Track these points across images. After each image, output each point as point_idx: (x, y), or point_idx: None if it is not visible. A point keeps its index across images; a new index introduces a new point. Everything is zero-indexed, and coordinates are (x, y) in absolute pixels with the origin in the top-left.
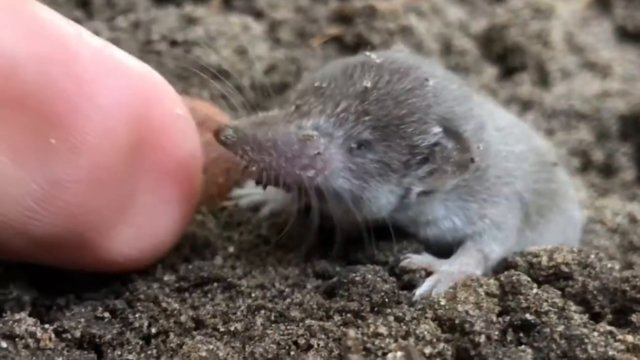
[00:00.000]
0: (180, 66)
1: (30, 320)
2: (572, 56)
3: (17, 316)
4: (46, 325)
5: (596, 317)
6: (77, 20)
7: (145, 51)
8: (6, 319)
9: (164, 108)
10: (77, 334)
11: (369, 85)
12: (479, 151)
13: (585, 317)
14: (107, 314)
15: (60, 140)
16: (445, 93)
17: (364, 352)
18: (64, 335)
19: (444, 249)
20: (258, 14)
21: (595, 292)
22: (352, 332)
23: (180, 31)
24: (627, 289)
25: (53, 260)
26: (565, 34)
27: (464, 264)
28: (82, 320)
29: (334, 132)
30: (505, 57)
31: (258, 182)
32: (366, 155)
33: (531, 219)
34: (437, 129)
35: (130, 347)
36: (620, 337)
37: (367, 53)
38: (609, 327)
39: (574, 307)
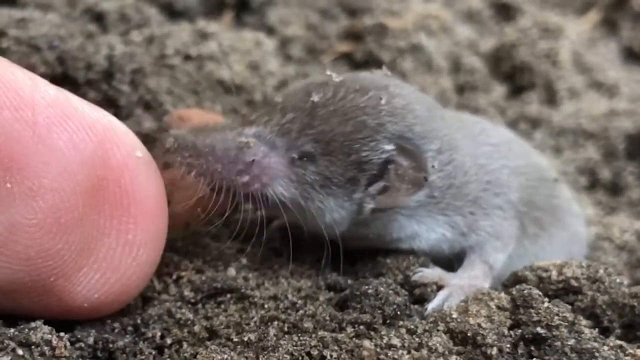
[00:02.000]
0: (194, 80)
1: (46, 329)
2: (580, 76)
3: (32, 324)
4: (61, 334)
5: (605, 332)
6: (92, 35)
7: (159, 65)
8: (22, 327)
9: (123, 150)
10: (91, 341)
11: (316, 99)
12: (449, 169)
13: (595, 331)
14: (118, 324)
15: (15, 184)
16: (404, 112)
17: None
18: (77, 345)
19: (444, 260)
20: (269, 30)
21: (604, 306)
22: (367, 343)
23: (194, 46)
24: (636, 304)
25: (15, 308)
26: (572, 54)
27: (473, 277)
28: (94, 330)
29: (276, 141)
30: (513, 76)
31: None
32: (307, 167)
33: (529, 230)
34: (389, 147)
35: (143, 357)
36: (630, 351)
37: (329, 72)
38: (618, 342)
39: (584, 322)
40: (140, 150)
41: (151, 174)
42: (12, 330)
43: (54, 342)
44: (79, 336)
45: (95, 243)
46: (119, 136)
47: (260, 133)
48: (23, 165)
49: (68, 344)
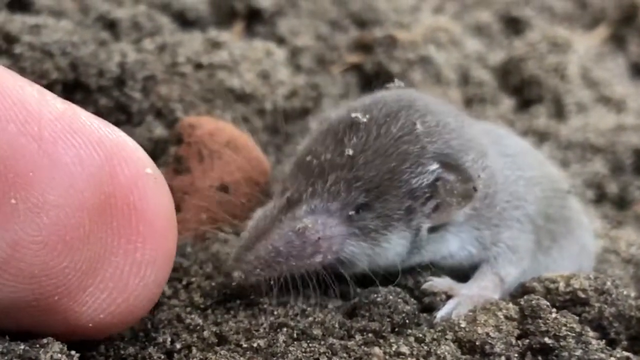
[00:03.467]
0: (205, 88)
1: (57, 346)
2: (587, 90)
3: (44, 340)
4: (72, 352)
5: (611, 344)
6: (104, 42)
7: (171, 73)
8: (32, 342)
9: (131, 167)
10: (102, 349)
11: (351, 153)
12: (483, 178)
13: (602, 342)
14: (128, 331)
15: (20, 199)
16: (439, 129)
17: None
18: (88, 354)
19: (458, 273)
20: (279, 41)
21: (611, 318)
22: (377, 349)
23: (205, 54)
24: None
25: (19, 326)
26: (580, 69)
27: (483, 288)
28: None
29: (329, 207)
30: (522, 89)
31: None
32: (366, 216)
33: (543, 244)
34: (434, 166)
35: None
36: None
37: (354, 114)
38: (625, 353)
39: (591, 333)
40: (150, 167)
41: (161, 192)
42: (21, 346)
43: None
44: (89, 345)
45: (102, 262)
46: (127, 152)
47: (311, 208)
48: (28, 180)
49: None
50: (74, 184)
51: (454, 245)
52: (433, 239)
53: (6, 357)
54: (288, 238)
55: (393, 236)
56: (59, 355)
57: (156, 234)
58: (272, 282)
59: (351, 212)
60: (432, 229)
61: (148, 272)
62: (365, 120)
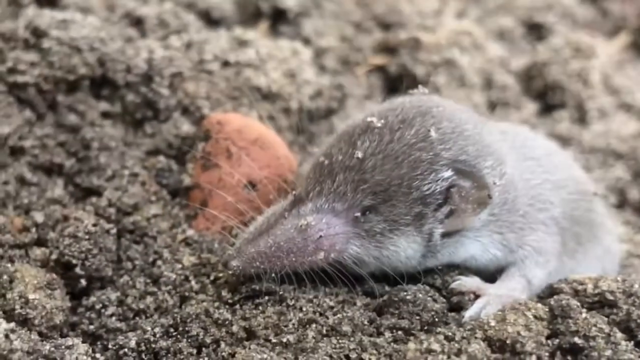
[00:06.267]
0: (231, 86)
1: (82, 348)
2: (609, 97)
3: (69, 342)
4: (97, 355)
5: (638, 345)
6: (131, 39)
7: (198, 70)
8: (59, 342)
9: None
10: (133, 344)
11: (360, 155)
12: (501, 185)
13: (631, 344)
14: (158, 325)
15: None
16: (455, 136)
17: None
18: (121, 351)
19: (485, 275)
20: (304, 41)
21: (639, 320)
22: (412, 344)
23: (232, 52)
24: None
25: None
26: (602, 75)
27: (511, 289)
28: (134, 333)
29: (335, 207)
30: (545, 94)
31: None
32: (372, 219)
33: (568, 246)
34: (448, 173)
35: (182, 357)
36: None
37: (370, 119)
38: None
39: (619, 334)
40: None
41: None
42: (47, 347)
43: None
44: (120, 343)
45: None
46: None
47: (316, 206)
48: None
49: None
50: None
51: (474, 249)
52: (448, 244)
53: (31, 357)
54: (289, 235)
55: (401, 240)
56: (84, 357)
57: None
58: (273, 275)
59: (357, 214)
60: (447, 234)
61: None
62: (379, 124)
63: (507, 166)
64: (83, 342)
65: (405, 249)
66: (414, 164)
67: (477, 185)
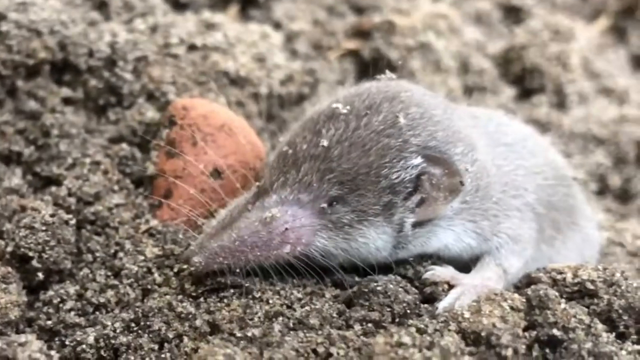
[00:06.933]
0: (198, 71)
1: (36, 345)
2: (589, 81)
3: (22, 338)
4: (52, 352)
5: (620, 338)
6: (94, 22)
7: (163, 54)
8: (11, 339)
9: None
10: (91, 340)
11: (325, 144)
12: (472, 171)
13: (612, 335)
14: (119, 320)
15: None
16: (424, 122)
17: None
18: (79, 348)
19: (459, 264)
20: (275, 25)
21: (620, 311)
22: (381, 338)
23: (199, 36)
24: None
25: None
26: (582, 59)
27: (486, 278)
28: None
29: (301, 198)
30: (523, 78)
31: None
32: (340, 210)
33: (546, 233)
34: (417, 161)
35: (143, 353)
36: None
37: (335, 105)
38: (637, 347)
39: (600, 325)
40: None
41: None
42: None
43: None
44: (78, 339)
45: None
46: None
47: (281, 197)
48: None
49: None
50: None
51: (447, 238)
52: (420, 234)
53: None
54: (254, 227)
55: (370, 231)
56: (38, 354)
57: None
58: (237, 271)
59: (324, 205)
60: (418, 224)
61: None
62: (345, 111)
63: (478, 152)
64: (39, 338)
65: (374, 240)
66: (382, 152)
67: (448, 172)
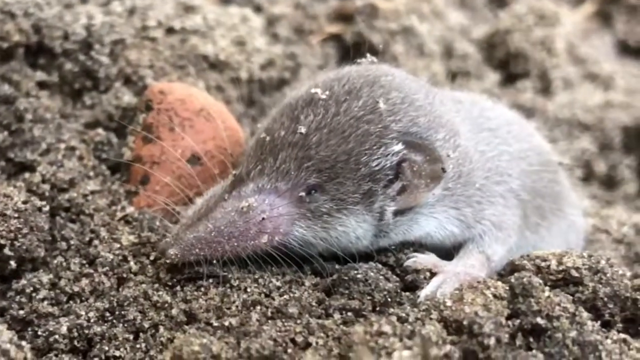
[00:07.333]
0: (176, 54)
1: (6, 335)
2: (574, 67)
3: None
4: (23, 343)
5: (606, 326)
6: (70, 4)
7: (141, 37)
8: None
9: None
10: (64, 330)
11: (303, 130)
12: (454, 157)
13: (597, 324)
14: (93, 309)
15: None
16: (405, 107)
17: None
18: (51, 338)
19: (442, 252)
20: (256, 8)
21: (605, 299)
22: (359, 327)
23: (177, 18)
24: (639, 297)
25: None
26: (567, 45)
27: (469, 266)
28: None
29: (278, 187)
30: (508, 63)
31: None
32: (319, 199)
33: (531, 220)
34: (398, 147)
35: (118, 343)
36: (636, 344)
37: (314, 90)
38: (622, 335)
39: (585, 314)
40: None
41: None
42: None
43: (13, 354)
44: (51, 329)
45: None
46: None
47: (258, 186)
48: None
49: (29, 355)
50: None
51: (429, 226)
52: (402, 222)
53: None
54: (230, 217)
55: (350, 220)
56: (8, 345)
57: None
58: (214, 262)
59: (302, 193)
60: (399, 212)
61: None
62: (324, 96)
63: (461, 138)
64: (11, 328)
65: (354, 229)
66: (361, 138)
67: (430, 158)
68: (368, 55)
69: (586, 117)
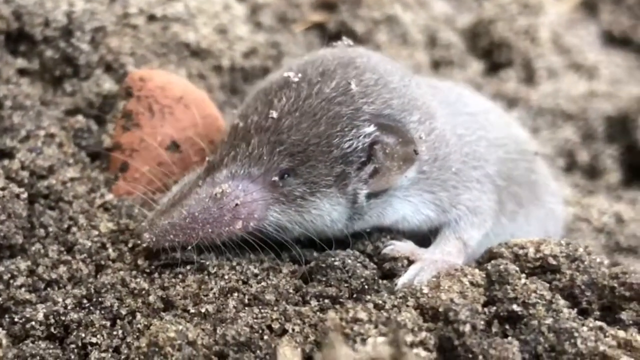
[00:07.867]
0: (158, 42)
1: None
2: (559, 56)
3: None
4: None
5: (583, 313)
6: None
7: (122, 24)
8: None
9: None
10: (40, 316)
11: (275, 115)
12: (430, 140)
13: (574, 312)
14: (70, 296)
15: None
16: (379, 89)
17: (342, 338)
18: (28, 325)
19: (419, 236)
20: None
21: (583, 286)
22: (333, 313)
23: (159, 6)
24: (616, 285)
25: None
26: (552, 34)
27: (446, 253)
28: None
29: (251, 172)
30: (491, 52)
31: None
32: (292, 183)
33: (507, 206)
34: (370, 129)
35: (94, 329)
36: (611, 332)
37: (286, 74)
38: (598, 323)
39: (561, 301)
40: None
41: None
42: None
43: None
44: (27, 315)
45: None
46: None
47: (231, 172)
48: None
49: (5, 341)
50: None
51: (404, 209)
52: (376, 205)
53: None
54: (204, 204)
55: (324, 203)
56: None
57: None
58: (189, 248)
59: (275, 178)
60: (373, 195)
61: None
62: (297, 79)
63: (437, 121)
64: None
65: (329, 212)
66: (332, 120)
67: (402, 140)
68: (344, 37)
69: (570, 107)
